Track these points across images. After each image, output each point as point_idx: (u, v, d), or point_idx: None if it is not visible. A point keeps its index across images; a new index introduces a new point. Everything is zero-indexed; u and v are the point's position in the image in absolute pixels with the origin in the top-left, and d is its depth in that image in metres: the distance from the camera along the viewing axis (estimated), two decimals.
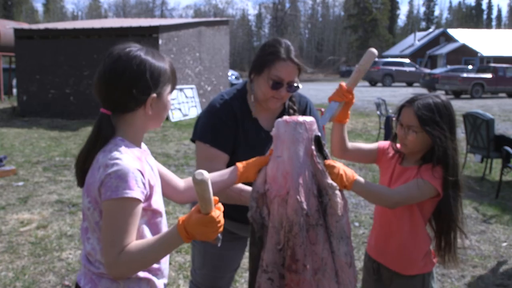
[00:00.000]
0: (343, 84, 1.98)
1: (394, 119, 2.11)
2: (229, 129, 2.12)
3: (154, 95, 1.49)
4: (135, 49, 1.50)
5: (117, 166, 1.38)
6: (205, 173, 1.28)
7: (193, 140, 2.19)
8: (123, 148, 1.44)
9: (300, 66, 2.05)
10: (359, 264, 3.91)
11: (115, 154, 1.41)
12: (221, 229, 1.37)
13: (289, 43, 2.09)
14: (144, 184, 1.42)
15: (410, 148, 2.01)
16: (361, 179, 1.79)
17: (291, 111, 2.21)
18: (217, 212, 1.34)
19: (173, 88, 1.59)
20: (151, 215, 1.52)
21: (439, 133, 1.92)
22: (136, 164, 1.42)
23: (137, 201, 1.40)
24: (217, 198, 1.39)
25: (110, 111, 1.48)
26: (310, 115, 2.25)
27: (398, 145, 2.11)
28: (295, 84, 2.07)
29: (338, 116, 2.02)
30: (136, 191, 1.38)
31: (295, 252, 1.63)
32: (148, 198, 1.48)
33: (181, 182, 1.75)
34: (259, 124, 2.19)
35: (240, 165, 1.76)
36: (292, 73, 2.04)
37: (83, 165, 1.49)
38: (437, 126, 1.92)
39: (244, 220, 2.09)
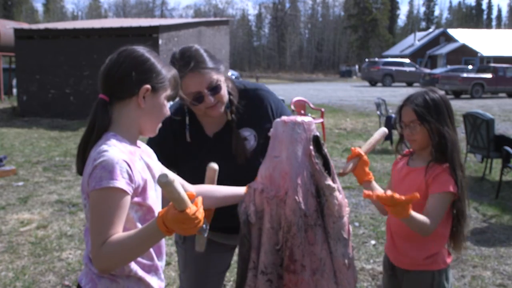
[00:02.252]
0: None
1: (396, 123, 2.17)
2: (167, 142, 2.04)
3: (148, 86, 1.51)
4: (142, 47, 1.58)
5: (102, 157, 1.39)
6: (169, 173, 1.28)
7: None
8: (112, 142, 1.45)
9: (199, 70, 1.89)
10: (360, 265, 3.91)
11: (103, 147, 1.43)
12: (201, 224, 1.33)
13: (179, 52, 1.94)
14: (130, 175, 1.41)
15: (420, 143, 2.06)
16: (413, 213, 1.81)
17: (233, 108, 2.06)
18: (193, 209, 1.31)
19: (172, 97, 1.60)
20: (146, 211, 1.51)
21: (438, 123, 2.00)
22: (124, 155, 1.42)
23: (122, 191, 1.39)
24: (193, 193, 1.38)
25: (107, 96, 1.52)
26: (274, 113, 2.10)
27: (406, 150, 2.21)
28: (215, 84, 1.93)
29: (355, 172, 2.00)
30: (121, 181, 1.38)
31: (293, 253, 1.63)
32: (142, 192, 1.48)
33: (192, 189, 1.72)
34: (204, 131, 2.10)
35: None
36: (203, 80, 1.90)
37: (83, 153, 1.50)
38: (434, 116, 2.01)
39: (221, 228, 2.06)
